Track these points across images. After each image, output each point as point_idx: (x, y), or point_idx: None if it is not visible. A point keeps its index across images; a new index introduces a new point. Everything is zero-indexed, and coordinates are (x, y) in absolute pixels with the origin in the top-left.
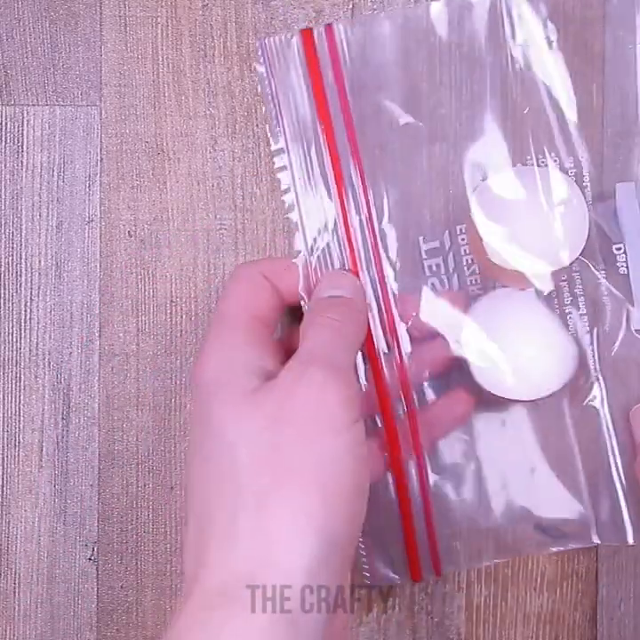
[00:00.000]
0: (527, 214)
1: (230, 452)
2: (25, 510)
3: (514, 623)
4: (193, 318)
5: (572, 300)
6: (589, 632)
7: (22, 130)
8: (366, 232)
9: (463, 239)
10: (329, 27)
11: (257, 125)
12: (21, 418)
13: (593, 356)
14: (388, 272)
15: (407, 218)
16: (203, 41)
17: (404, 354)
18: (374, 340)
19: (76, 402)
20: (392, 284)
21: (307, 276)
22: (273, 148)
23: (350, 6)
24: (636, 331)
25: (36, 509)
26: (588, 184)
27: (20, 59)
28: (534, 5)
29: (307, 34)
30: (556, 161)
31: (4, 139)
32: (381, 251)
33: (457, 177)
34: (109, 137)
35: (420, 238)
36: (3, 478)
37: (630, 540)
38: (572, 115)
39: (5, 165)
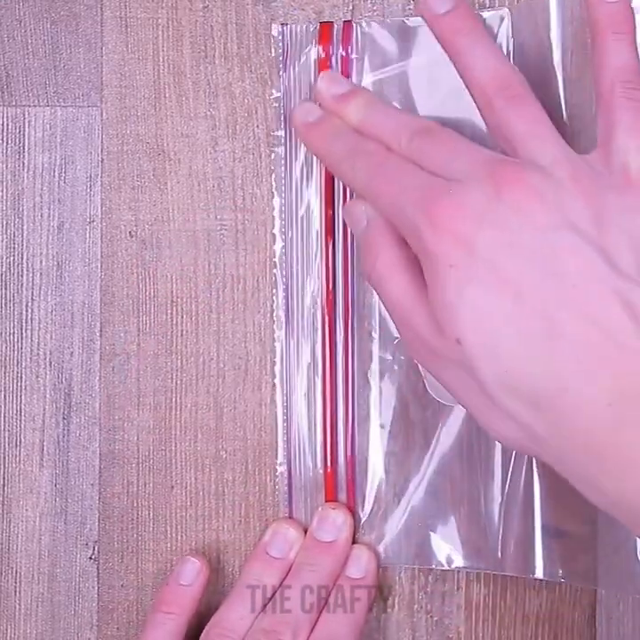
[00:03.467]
0: None
1: None
2: (26, 509)
3: (513, 622)
4: (193, 318)
5: None
6: (588, 631)
7: (23, 131)
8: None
9: None
10: (347, 23)
11: (257, 126)
12: (22, 417)
13: None
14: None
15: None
16: (203, 42)
17: None
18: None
19: (76, 401)
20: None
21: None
22: (275, 133)
23: (350, 8)
24: None
25: (37, 508)
26: None
27: (22, 60)
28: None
29: (325, 27)
30: None
31: (5, 140)
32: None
33: None
34: (110, 138)
35: None
36: (4, 478)
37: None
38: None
39: (7, 166)
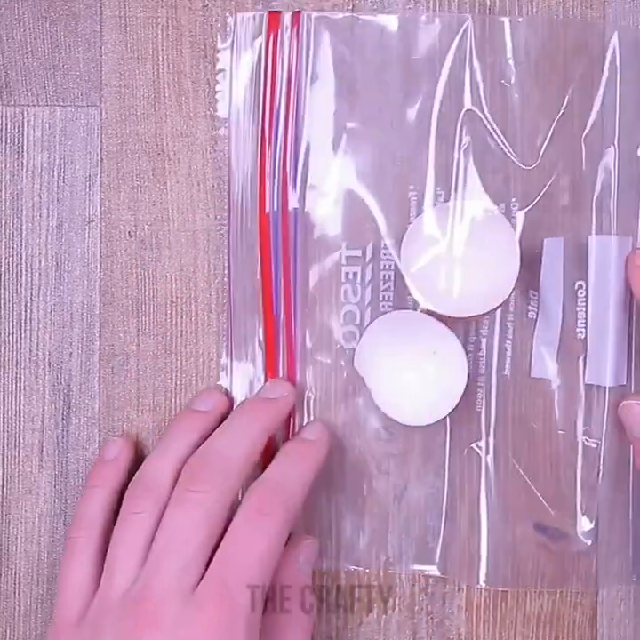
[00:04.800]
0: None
1: None
2: (25, 511)
3: (514, 623)
4: (193, 318)
5: (475, 340)
6: (589, 632)
7: (22, 130)
8: (279, 217)
9: (385, 254)
10: (297, 14)
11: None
12: (21, 418)
13: (486, 399)
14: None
15: (332, 216)
16: (203, 41)
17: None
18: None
19: (76, 402)
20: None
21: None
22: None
23: (350, 7)
24: (534, 377)
25: (36, 510)
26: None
27: (21, 59)
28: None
29: (274, 16)
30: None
31: (4, 139)
32: (295, 246)
33: (392, 194)
34: (109, 137)
35: (343, 243)
36: (3, 479)
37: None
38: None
39: (5, 166)
